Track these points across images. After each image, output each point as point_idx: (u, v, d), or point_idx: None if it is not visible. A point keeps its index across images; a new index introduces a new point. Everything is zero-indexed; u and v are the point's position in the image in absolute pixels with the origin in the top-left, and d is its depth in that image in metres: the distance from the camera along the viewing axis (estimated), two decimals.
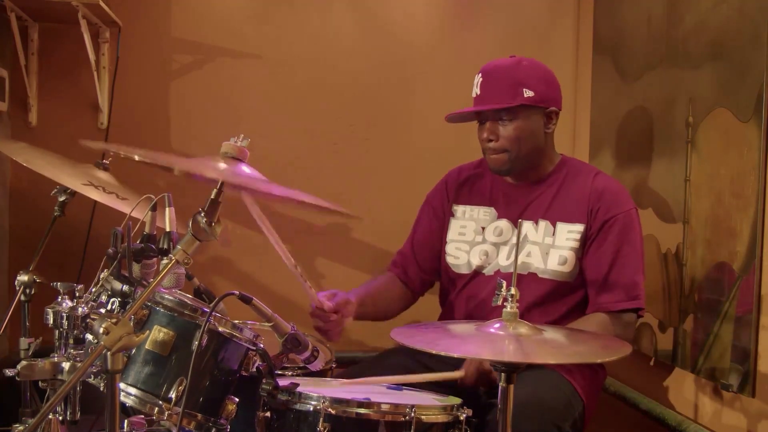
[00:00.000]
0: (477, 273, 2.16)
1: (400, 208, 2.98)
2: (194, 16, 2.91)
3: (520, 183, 2.18)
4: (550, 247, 2.07)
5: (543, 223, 2.10)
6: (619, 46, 2.74)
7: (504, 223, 2.16)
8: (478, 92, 2.08)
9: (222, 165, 1.52)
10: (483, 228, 2.18)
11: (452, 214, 2.26)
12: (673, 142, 2.33)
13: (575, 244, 2.06)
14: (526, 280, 2.06)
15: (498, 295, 1.48)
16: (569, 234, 2.07)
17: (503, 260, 2.13)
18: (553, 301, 2.07)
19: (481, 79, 2.08)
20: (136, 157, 1.53)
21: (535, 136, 2.08)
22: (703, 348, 2.14)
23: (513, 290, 1.48)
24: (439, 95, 2.96)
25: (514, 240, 2.11)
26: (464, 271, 2.18)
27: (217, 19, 2.92)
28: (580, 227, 2.07)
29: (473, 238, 2.19)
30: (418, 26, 3.03)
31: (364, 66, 2.99)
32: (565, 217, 2.09)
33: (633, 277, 2.05)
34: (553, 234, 2.08)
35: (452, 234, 2.23)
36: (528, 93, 2.03)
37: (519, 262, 2.06)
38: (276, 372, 1.64)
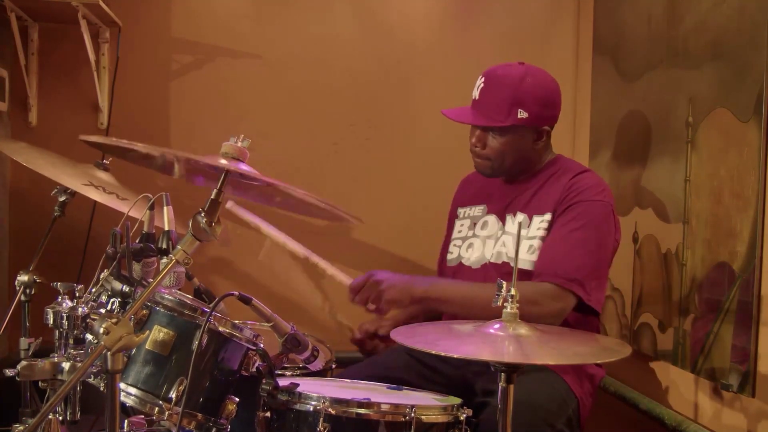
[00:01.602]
0: (463, 265, 2.19)
1: (400, 208, 2.98)
2: (194, 16, 2.90)
3: (511, 182, 2.20)
4: (523, 237, 2.07)
5: (521, 216, 2.11)
6: (619, 47, 2.74)
7: (491, 218, 2.19)
8: (477, 97, 2.09)
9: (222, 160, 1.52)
10: (475, 223, 2.23)
11: (456, 216, 2.32)
12: (673, 142, 2.33)
13: (544, 233, 2.05)
14: (499, 268, 2.09)
15: (498, 296, 1.49)
16: (540, 224, 2.07)
17: (488, 253, 2.14)
18: None
19: (482, 85, 2.08)
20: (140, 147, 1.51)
21: (522, 151, 2.10)
22: (703, 348, 2.14)
23: (513, 291, 1.48)
24: (440, 95, 2.96)
25: (498, 233, 2.14)
26: (454, 264, 2.22)
27: (217, 19, 2.92)
28: (548, 216, 2.06)
29: (466, 234, 2.23)
30: (418, 26, 3.03)
31: (364, 66, 2.99)
32: (540, 209, 2.09)
33: (578, 260, 1.96)
34: (528, 226, 2.08)
35: (454, 233, 2.29)
36: (522, 114, 2.02)
37: (494, 251, 2.11)
38: (276, 372, 1.64)
